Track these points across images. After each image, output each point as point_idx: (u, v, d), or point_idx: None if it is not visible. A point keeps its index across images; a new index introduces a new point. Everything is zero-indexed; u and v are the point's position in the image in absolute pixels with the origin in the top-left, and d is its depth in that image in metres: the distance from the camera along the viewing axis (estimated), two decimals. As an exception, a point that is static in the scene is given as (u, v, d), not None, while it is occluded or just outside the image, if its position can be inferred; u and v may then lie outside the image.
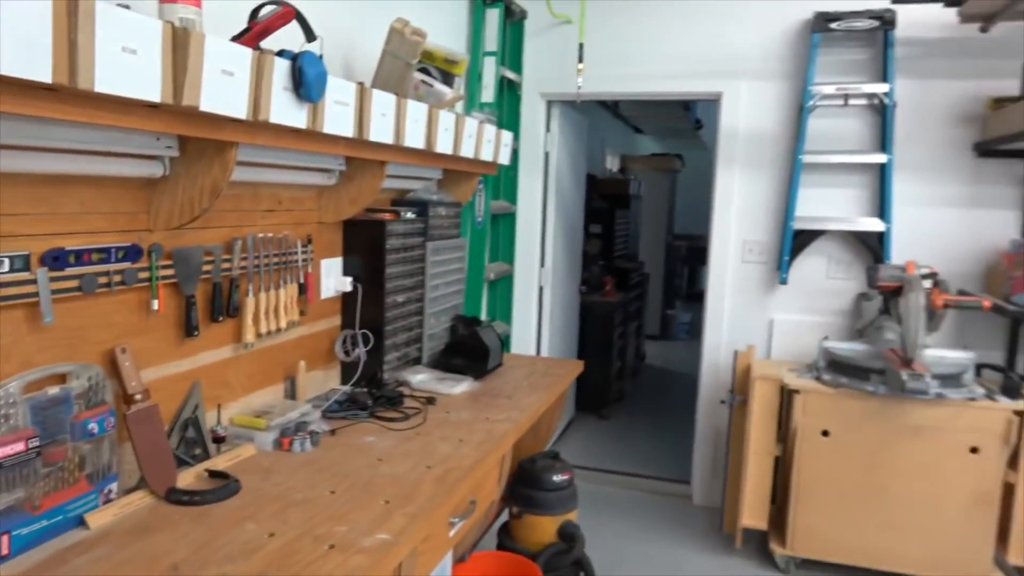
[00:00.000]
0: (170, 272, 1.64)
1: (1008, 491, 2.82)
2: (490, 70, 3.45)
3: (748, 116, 3.57)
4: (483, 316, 3.56)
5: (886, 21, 3.22)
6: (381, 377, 2.35)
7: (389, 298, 2.38)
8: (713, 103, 3.70)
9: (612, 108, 6.08)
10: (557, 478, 2.70)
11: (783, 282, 3.49)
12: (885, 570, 2.94)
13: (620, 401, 5.62)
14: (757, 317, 3.64)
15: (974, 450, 2.79)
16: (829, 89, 3.34)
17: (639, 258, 7.12)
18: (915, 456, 2.84)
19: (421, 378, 2.42)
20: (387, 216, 2.39)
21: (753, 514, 3.15)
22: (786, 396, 3.08)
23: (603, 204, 6.07)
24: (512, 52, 3.72)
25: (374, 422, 2.04)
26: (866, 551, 2.94)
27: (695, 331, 7.87)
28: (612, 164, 7.20)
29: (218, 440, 1.77)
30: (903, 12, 3.22)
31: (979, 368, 3.04)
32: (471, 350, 2.63)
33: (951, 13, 3.14)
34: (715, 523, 3.53)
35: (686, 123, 7.00)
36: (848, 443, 2.91)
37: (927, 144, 3.35)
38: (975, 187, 3.32)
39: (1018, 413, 2.74)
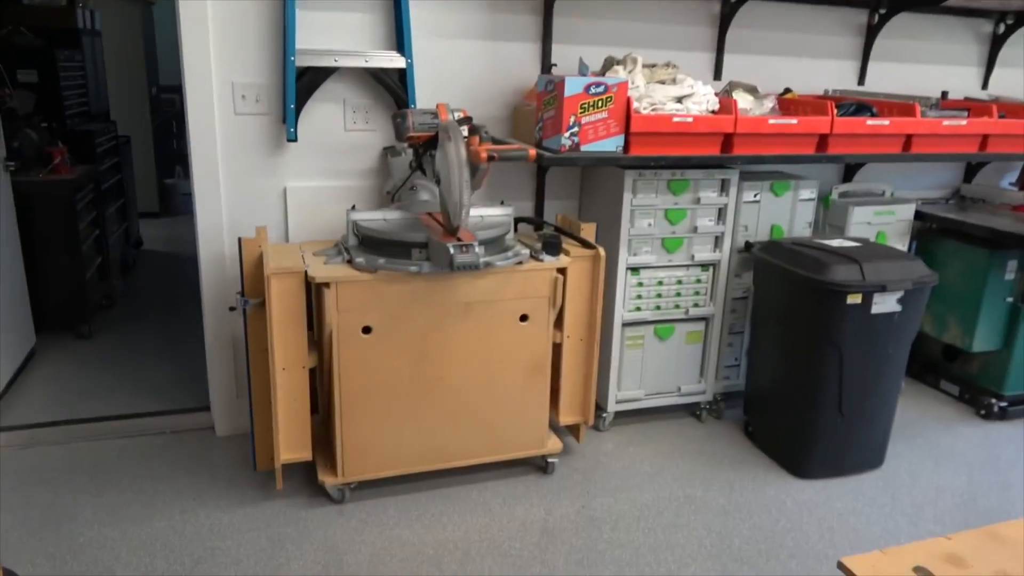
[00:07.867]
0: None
1: (556, 352, 2.63)
2: None
3: (213, -101, 2.49)
4: None
5: None
6: None
7: None
8: None
9: None
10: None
11: (292, 138, 2.67)
12: (448, 467, 2.58)
13: (109, 309, 4.31)
14: (266, 187, 2.78)
15: (524, 318, 2.49)
16: None
17: (111, 117, 5.49)
18: (467, 336, 2.43)
19: None
20: None
21: (292, 445, 2.45)
22: (314, 290, 2.37)
23: (33, 41, 4.30)
24: None
25: None
26: (424, 455, 2.52)
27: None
28: (47, -14, 5.21)
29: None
30: None
31: (515, 223, 2.74)
32: None
33: None
34: (248, 459, 2.76)
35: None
36: (394, 337, 2.36)
37: (442, -42, 2.76)
38: (495, 15, 2.88)
39: (560, 271, 2.50)
